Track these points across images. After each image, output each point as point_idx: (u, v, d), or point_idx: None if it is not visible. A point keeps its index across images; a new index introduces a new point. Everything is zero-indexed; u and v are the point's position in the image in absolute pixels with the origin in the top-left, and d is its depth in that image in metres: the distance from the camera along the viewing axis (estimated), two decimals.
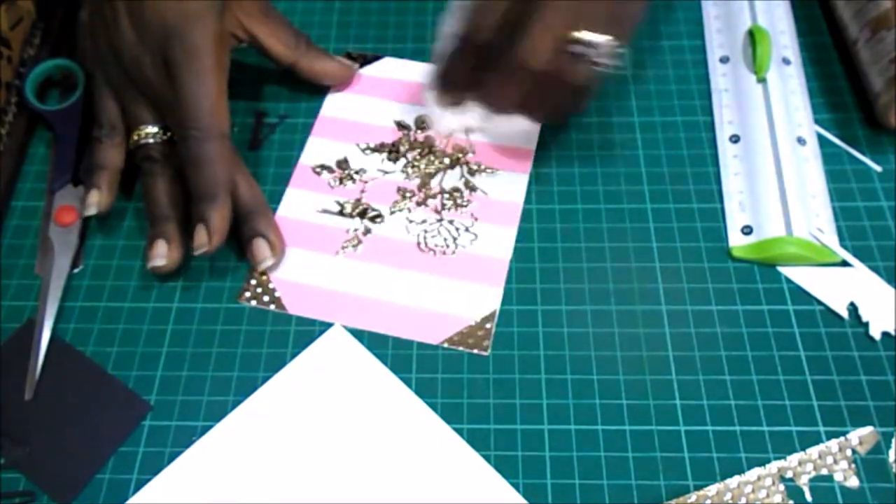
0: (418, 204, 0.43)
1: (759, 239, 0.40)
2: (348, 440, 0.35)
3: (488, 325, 0.39)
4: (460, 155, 0.45)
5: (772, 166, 0.42)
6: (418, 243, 0.41)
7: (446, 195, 0.43)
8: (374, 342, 0.38)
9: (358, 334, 0.39)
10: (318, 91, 0.48)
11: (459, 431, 0.36)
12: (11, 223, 0.43)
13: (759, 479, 0.34)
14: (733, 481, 0.34)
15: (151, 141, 0.41)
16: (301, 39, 0.46)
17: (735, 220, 0.42)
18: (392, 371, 0.37)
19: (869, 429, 0.35)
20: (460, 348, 0.38)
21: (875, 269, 0.40)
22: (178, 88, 0.39)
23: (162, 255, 0.39)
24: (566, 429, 0.36)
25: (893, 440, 0.35)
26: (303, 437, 0.36)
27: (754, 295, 0.39)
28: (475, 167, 0.44)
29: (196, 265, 0.41)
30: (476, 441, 0.35)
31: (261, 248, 0.40)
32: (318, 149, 0.45)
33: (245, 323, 0.39)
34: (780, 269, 0.40)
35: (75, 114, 0.45)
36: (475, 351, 0.38)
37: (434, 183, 0.44)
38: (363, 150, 0.45)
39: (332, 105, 0.47)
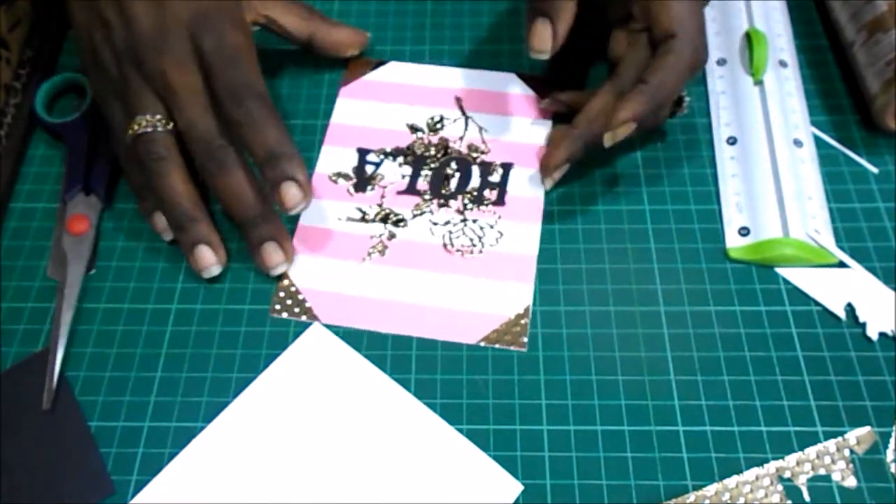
0: (440, 206, 0.43)
1: (756, 240, 0.41)
2: (336, 432, 0.36)
3: (523, 322, 0.39)
4: (475, 154, 0.45)
5: (769, 168, 0.43)
6: (444, 245, 0.41)
7: (467, 195, 0.43)
8: (373, 343, 0.38)
9: (357, 335, 0.39)
10: (317, 92, 0.48)
11: (459, 432, 0.36)
12: (10, 224, 0.43)
13: (757, 479, 0.34)
14: (731, 481, 0.34)
15: (158, 129, 0.38)
16: (314, 12, 0.47)
17: (732, 221, 0.42)
18: (391, 372, 0.37)
19: (866, 429, 0.36)
20: (497, 346, 0.38)
21: (872, 270, 0.40)
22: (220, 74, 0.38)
23: (212, 261, 0.39)
24: (565, 429, 0.36)
25: (891, 440, 0.35)
26: (292, 433, 0.36)
27: (752, 296, 0.40)
28: (491, 165, 0.44)
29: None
30: (476, 442, 0.35)
31: (291, 192, 0.38)
32: (332, 157, 0.45)
33: (244, 325, 0.39)
34: (777, 270, 0.40)
35: (85, 124, 0.45)
36: (512, 348, 0.38)
37: (453, 184, 0.44)
38: (378, 156, 0.45)
39: (342, 112, 0.47)
